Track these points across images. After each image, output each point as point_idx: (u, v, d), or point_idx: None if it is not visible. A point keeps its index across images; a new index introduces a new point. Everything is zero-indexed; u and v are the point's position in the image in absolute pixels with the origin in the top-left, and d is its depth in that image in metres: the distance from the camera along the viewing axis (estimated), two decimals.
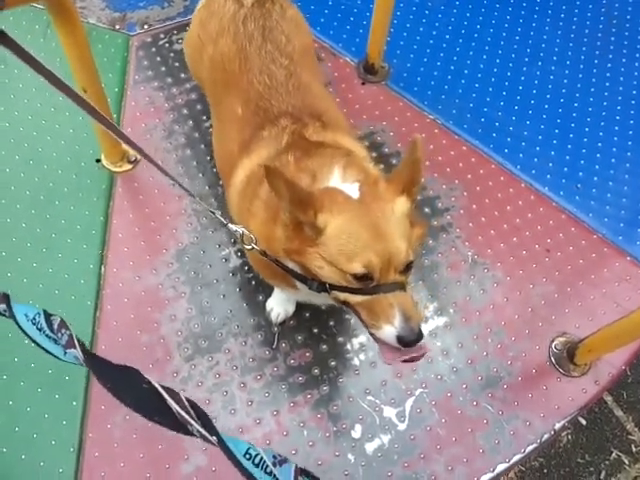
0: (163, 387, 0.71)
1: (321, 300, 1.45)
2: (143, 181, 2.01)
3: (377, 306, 1.13)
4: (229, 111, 1.50)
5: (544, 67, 2.40)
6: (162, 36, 2.36)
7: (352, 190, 1.17)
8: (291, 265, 1.25)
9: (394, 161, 2.09)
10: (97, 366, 0.75)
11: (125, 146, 2.01)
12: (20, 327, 0.84)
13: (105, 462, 1.56)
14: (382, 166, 2.05)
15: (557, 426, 1.70)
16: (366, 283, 1.11)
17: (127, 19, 2.39)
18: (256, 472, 0.64)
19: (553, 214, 2.04)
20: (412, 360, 1.16)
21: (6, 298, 0.90)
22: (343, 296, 1.16)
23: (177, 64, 2.29)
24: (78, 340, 0.78)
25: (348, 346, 1.76)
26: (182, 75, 2.26)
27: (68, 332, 0.80)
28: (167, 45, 2.34)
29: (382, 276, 1.11)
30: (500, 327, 1.82)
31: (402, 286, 1.13)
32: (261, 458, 0.65)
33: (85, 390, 1.65)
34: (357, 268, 1.10)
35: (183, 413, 0.69)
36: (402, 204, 1.15)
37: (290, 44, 1.56)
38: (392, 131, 2.17)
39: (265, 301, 1.80)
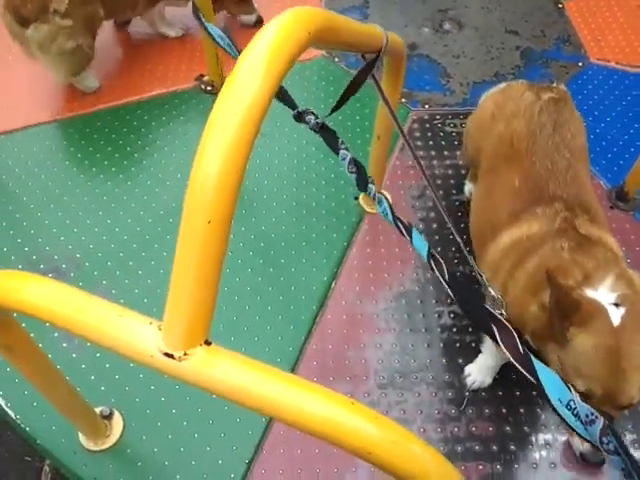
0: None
1: None
2: (387, 226, 2.24)
3: None
4: (505, 182, 1.69)
5: None
6: (437, 117, 2.69)
7: (616, 314, 1.22)
8: (528, 338, 1.35)
9: None
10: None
11: None
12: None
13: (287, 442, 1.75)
14: None
15: None
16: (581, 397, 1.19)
17: (413, 96, 2.76)
18: (569, 416, 0.82)
19: None
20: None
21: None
22: None
23: (443, 143, 2.58)
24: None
25: (532, 437, 1.76)
26: (445, 152, 2.53)
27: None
28: (439, 125, 2.65)
29: (597, 403, 1.17)
30: None
31: (611, 419, 1.17)
32: (577, 410, 0.80)
33: None
34: (579, 386, 1.19)
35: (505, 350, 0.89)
36: None
37: (574, 141, 1.74)
38: (630, 259, 2.18)
39: (464, 365, 1.89)
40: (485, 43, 3.06)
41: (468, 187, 2.34)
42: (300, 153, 2.52)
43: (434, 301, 2.06)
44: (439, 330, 1.98)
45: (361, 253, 2.19)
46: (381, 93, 1.47)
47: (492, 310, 1.00)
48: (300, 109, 1.56)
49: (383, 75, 1.79)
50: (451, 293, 1.11)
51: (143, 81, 2.78)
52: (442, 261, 1.27)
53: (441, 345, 1.95)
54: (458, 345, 1.94)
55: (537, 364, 0.89)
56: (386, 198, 1.53)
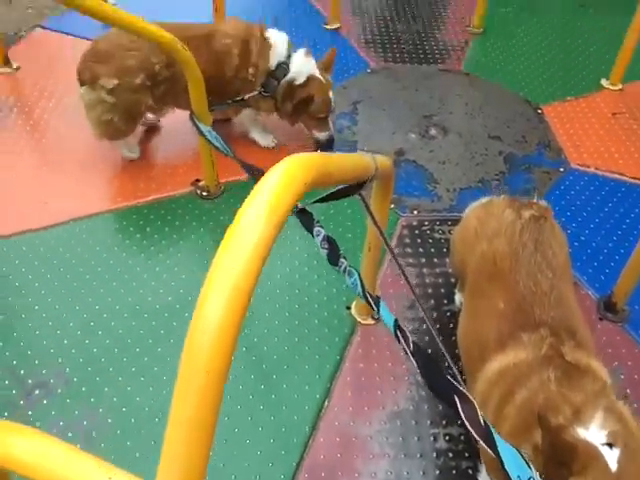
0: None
1: None
2: (379, 338, 2.28)
3: None
4: (490, 302, 1.71)
5: None
6: (426, 223, 2.75)
7: (611, 457, 1.20)
8: None
9: None
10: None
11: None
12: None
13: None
14: None
15: None
16: None
17: (402, 202, 2.84)
18: None
19: None
20: None
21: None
22: None
23: (432, 250, 2.63)
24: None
25: None
26: (435, 260, 2.58)
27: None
28: (428, 232, 2.72)
29: None
30: None
31: None
32: None
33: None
34: None
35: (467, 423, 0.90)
36: None
37: (555, 259, 1.77)
38: (623, 374, 2.19)
39: None
40: (469, 149, 3.19)
41: (458, 297, 2.37)
42: (292, 260, 2.55)
43: (429, 422, 2.03)
44: (434, 455, 1.94)
45: (354, 368, 2.18)
46: (371, 216, 1.51)
47: (455, 382, 1.00)
48: None
49: (372, 191, 1.85)
50: (415, 364, 1.11)
51: (140, 185, 2.84)
52: (408, 334, 1.29)
53: (437, 472, 1.91)
54: (454, 472, 1.90)
55: (498, 439, 0.90)
56: (357, 272, 1.54)
